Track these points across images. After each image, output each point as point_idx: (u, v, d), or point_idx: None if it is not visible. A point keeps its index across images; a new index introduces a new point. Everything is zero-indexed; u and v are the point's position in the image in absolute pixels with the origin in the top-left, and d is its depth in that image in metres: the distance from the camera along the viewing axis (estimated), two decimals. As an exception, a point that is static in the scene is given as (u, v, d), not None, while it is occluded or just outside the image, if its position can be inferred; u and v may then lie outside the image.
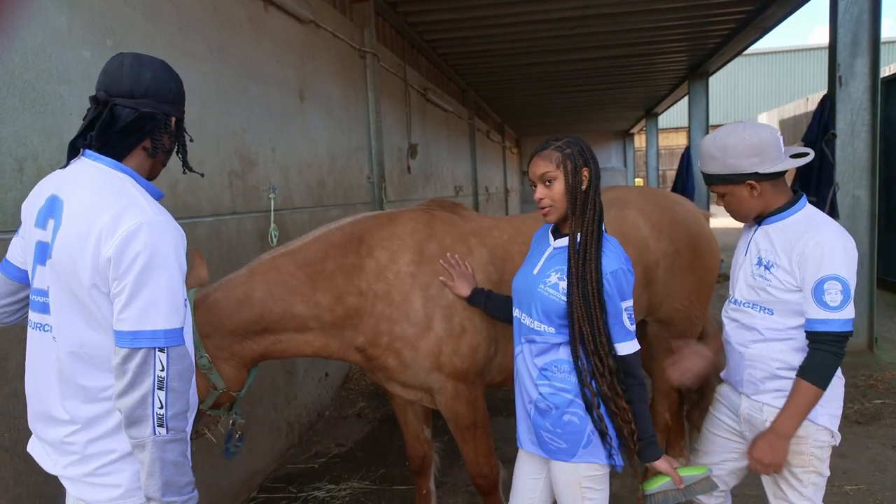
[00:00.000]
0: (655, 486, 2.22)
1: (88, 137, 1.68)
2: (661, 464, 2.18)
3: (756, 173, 2.22)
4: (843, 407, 3.97)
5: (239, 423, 2.58)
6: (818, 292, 2.10)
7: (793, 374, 2.21)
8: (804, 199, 2.30)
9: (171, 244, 1.59)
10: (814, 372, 2.12)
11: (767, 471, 2.21)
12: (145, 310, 1.53)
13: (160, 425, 1.54)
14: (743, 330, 2.38)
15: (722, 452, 2.51)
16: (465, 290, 2.70)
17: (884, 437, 4.56)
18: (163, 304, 1.55)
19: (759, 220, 2.36)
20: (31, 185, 2.49)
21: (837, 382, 2.26)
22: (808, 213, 2.26)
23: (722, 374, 2.59)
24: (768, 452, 2.17)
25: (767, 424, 2.27)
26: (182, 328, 1.61)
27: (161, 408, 1.54)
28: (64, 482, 1.73)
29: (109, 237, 1.53)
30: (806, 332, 2.17)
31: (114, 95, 1.67)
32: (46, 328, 1.68)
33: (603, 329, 2.10)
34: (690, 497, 2.26)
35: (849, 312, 2.09)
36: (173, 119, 1.78)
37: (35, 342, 1.74)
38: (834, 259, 2.10)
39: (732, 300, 2.45)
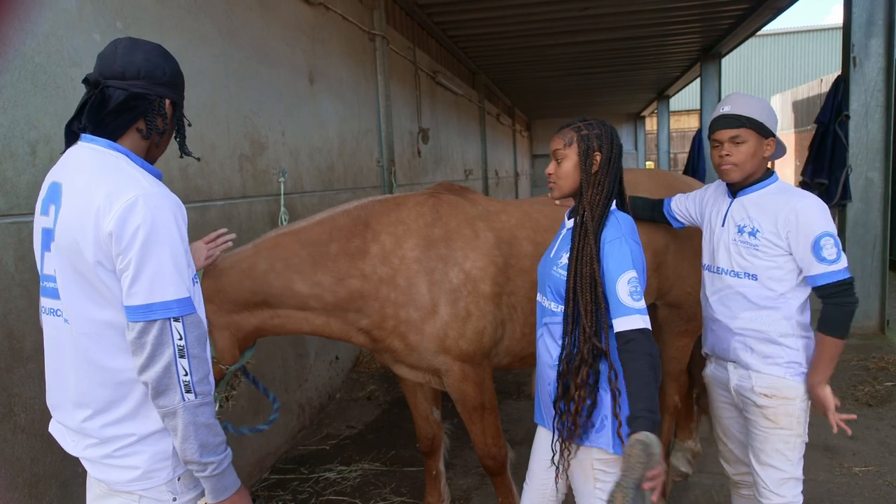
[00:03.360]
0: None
1: (83, 120, 1.69)
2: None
3: (775, 136, 2.45)
4: (854, 389, 3.95)
5: (231, 399, 2.58)
6: (817, 249, 2.28)
7: (782, 341, 2.40)
8: (775, 174, 2.51)
9: (171, 214, 1.59)
10: (831, 325, 2.30)
11: (830, 417, 2.33)
12: (153, 282, 1.55)
13: (188, 391, 1.58)
14: (727, 300, 2.51)
15: (737, 428, 2.63)
16: None
17: (894, 419, 4.55)
18: (170, 274, 1.57)
19: (734, 192, 2.52)
20: (44, 168, 2.53)
21: (810, 344, 2.43)
22: (782, 185, 2.47)
23: (706, 349, 2.71)
24: (818, 404, 2.35)
25: (756, 391, 2.43)
26: (191, 297, 1.63)
27: (186, 375, 1.58)
28: (84, 463, 1.75)
29: (108, 212, 1.53)
30: (814, 288, 2.35)
31: (107, 77, 1.67)
32: (58, 313, 1.68)
33: (591, 313, 2.05)
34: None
35: (844, 261, 2.29)
36: (167, 101, 1.76)
37: (49, 328, 1.74)
38: (820, 219, 2.30)
39: (713, 269, 2.57)
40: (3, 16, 2.39)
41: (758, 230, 2.39)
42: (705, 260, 2.64)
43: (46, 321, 1.74)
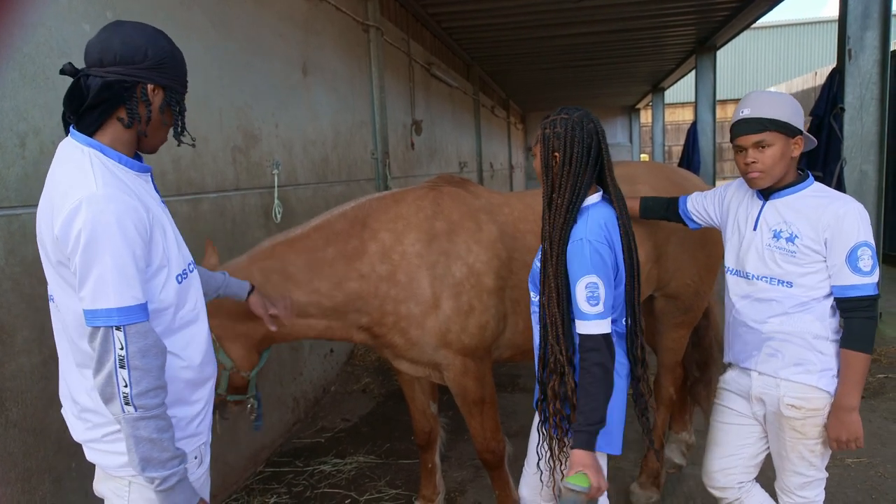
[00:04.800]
0: (574, 483, 1.98)
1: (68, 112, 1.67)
2: (576, 455, 1.99)
3: (802, 132, 2.28)
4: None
5: (252, 405, 2.59)
6: (853, 259, 2.16)
7: (816, 344, 2.26)
8: (811, 176, 2.34)
9: (113, 218, 1.52)
10: (859, 340, 2.19)
11: (849, 446, 2.23)
12: (95, 289, 1.51)
13: (127, 403, 1.54)
14: (759, 305, 2.36)
15: (736, 440, 2.49)
16: None
17: (886, 411, 4.58)
18: (111, 281, 1.51)
19: (766, 194, 2.36)
20: (34, 160, 2.50)
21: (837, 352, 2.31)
22: (820, 188, 2.31)
23: (728, 358, 2.56)
24: (842, 429, 2.22)
25: (785, 401, 2.29)
26: (140, 305, 1.57)
27: (126, 386, 1.53)
28: (83, 448, 1.77)
29: (58, 215, 1.52)
30: (838, 299, 2.22)
31: (89, 66, 1.63)
32: (52, 298, 1.71)
33: (556, 325, 2.06)
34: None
35: (877, 275, 2.17)
36: (151, 86, 1.66)
37: (52, 314, 1.76)
38: (861, 227, 2.17)
39: (742, 273, 2.41)
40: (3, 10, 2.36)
41: (796, 236, 2.24)
42: (730, 263, 2.48)
43: (51, 308, 1.76)
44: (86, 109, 1.62)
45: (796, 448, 2.31)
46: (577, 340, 2.09)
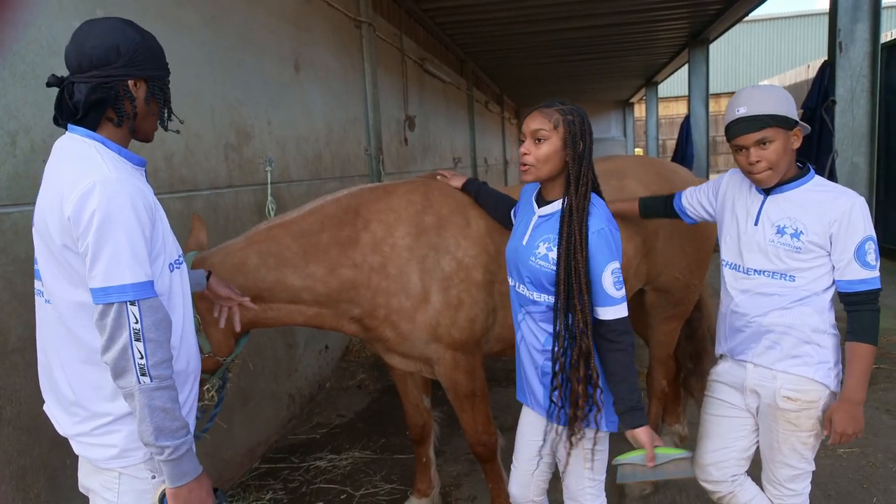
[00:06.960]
0: (628, 457, 2.15)
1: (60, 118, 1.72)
2: (641, 433, 2.11)
3: (799, 122, 2.25)
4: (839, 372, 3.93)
5: (215, 385, 2.52)
6: (861, 253, 2.17)
7: (815, 337, 2.26)
8: (812, 169, 2.32)
9: (127, 200, 1.59)
10: (866, 332, 2.21)
11: (851, 439, 2.24)
12: (110, 266, 1.56)
13: (143, 374, 1.59)
14: (760, 298, 2.34)
15: (729, 433, 2.49)
16: (458, 182, 2.90)
17: (877, 402, 4.61)
18: (126, 258, 1.58)
19: (767, 189, 2.32)
20: (25, 158, 2.50)
21: (838, 343, 2.33)
22: (821, 182, 2.30)
23: (722, 350, 2.55)
24: (850, 422, 2.22)
25: (782, 392, 2.29)
26: (151, 281, 1.64)
27: (142, 358, 1.59)
28: (71, 442, 1.79)
29: (68, 197, 1.57)
30: (845, 293, 2.23)
31: (72, 72, 1.69)
32: (42, 293, 1.74)
33: (583, 310, 2.08)
34: (662, 477, 2.19)
35: (878, 268, 2.20)
36: (132, 82, 1.71)
37: (38, 309, 1.80)
38: (867, 221, 2.19)
39: (741, 268, 2.39)
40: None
41: (802, 232, 2.22)
42: (729, 258, 2.44)
43: (37, 302, 1.80)
44: (81, 113, 1.67)
45: (789, 440, 2.31)
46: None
